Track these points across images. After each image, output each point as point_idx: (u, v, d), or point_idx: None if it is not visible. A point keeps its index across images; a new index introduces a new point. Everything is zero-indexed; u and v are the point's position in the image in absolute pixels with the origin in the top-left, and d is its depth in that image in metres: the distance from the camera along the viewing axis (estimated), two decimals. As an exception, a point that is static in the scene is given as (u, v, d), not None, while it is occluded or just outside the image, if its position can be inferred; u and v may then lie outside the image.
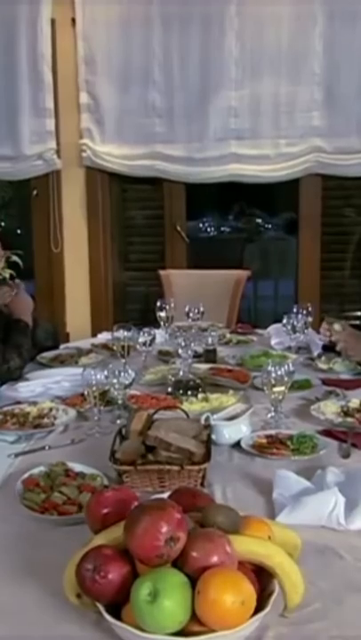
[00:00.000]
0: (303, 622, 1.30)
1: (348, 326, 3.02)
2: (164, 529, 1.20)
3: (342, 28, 4.92)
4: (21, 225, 5.50)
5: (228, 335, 3.59)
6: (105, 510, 1.37)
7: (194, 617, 1.17)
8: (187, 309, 3.56)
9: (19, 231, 5.67)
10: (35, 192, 5.32)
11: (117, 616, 1.21)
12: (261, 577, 1.29)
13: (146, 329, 3.08)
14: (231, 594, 1.17)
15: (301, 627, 1.29)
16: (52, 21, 5.08)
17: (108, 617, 1.21)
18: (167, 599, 1.16)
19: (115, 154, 5.15)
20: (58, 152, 5.19)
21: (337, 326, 3.02)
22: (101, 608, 1.22)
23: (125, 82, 5.09)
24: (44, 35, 5.06)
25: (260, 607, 1.22)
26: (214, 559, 1.21)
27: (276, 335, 3.44)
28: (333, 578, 1.45)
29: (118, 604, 1.23)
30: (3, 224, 3.46)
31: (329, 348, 3.10)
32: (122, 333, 2.94)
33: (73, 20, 5.04)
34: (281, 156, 5.08)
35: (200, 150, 5.08)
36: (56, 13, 5.06)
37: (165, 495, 1.50)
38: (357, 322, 3.22)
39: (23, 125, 5.13)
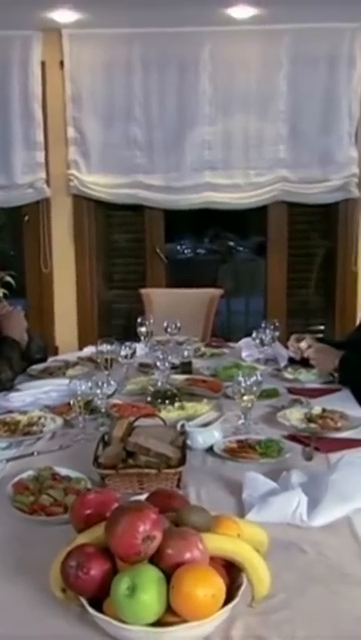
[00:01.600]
0: (269, 612, 1.31)
1: (314, 342, 3.03)
2: (142, 529, 1.20)
3: (304, 71, 4.97)
4: (14, 248, 5.48)
5: (203, 348, 3.59)
6: (88, 511, 1.37)
7: (169, 609, 1.18)
8: (165, 325, 3.55)
9: (12, 253, 5.64)
10: (26, 218, 5.30)
11: (99, 609, 1.21)
12: (231, 571, 1.29)
13: (127, 343, 3.08)
14: (203, 587, 1.17)
15: (267, 616, 1.30)
16: (43, 63, 5.07)
17: (90, 610, 1.21)
18: (144, 593, 1.16)
19: (100, 183, 5.15)
20: (47, 181, 5.18)
21: (303, 344, 3.04)
22: (84, 602, 1.23)
23: (109, 118, 5.09)
24: (34, 75, 5.06)
25: (229, 599, 1.22)
26: (187, 556, 1.21)
27: (246, 348, 3.45)
28: (297, 571, 1.46)
29: (100, 597, 1.23)
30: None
31: (295, 360, 3.12)
32: (105, 347, 2.94)
33: (61, 63, 5.04)
34: (251, 184, 5.10)
35: (177, 180, 5.10)
36: (46, 56, 5.06)
37: (144, 497, 1.50)
38: (321, 335, 3.23)
39: (16, 157, 5.12)
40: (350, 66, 4.96)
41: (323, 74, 4.99)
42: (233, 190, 5.12)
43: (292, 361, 3.13)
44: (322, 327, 5.40)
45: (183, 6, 4.38)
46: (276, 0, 4.34)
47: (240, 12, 4.60)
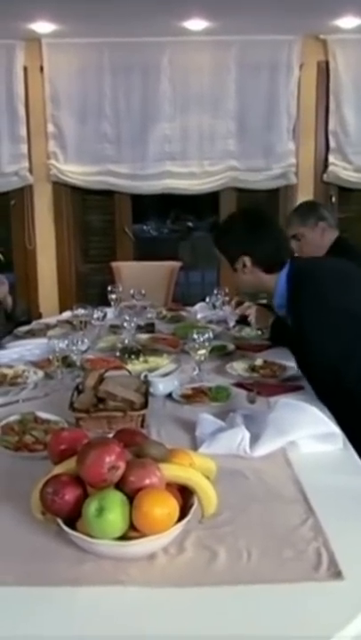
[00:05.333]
0: (216, 526, 1.32)
1: (253, 304, 3.04)
2: (107, 460, 1.20)
3: (250, 76, 4.94)
4: (2, 228, 5.40)
5: (164, 312, 3.58)
6: (62, 447, 1.37)
7: (132, 526, 1.18)
8: (132, 292, 3.55)
9: (0, 233, 5.56)
10: (12, 202, 5.22)
11: (73, 527, 1.21)
12: (184, 494, 1.30)
13: (100, 308, 3.07)
14: (160, 507, 1.18)
15: (215, 530, 1.31)
16: (25, 68, 4.97)
17: (65, 528, 1.21)
18: (110, 513, 1.17)
19: (75, 171, 5.08)
20: (30, 170, 5.09)
21: (247, 303, 3.04)
22: (60, 522, 1.22)
23: (83, 115, 5.01)
24: (18, 79, 4.96)
25: (183, 516, 1.23)
26: (147, 482, 1.22)
27: (200, 311, 3.46)
28: (240, 493, 1.47)
29: (73, 518, 1.22)
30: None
31: (241, 321, 3.12)
32: (80, 311, 2.93)
33: (41, 68, 4.93)
34: (205, 173, 5.08)
35: (142, 168, 5.04)
36: (28, 62, 4.96)
37: (111, 435, 1.50)
38: (264, 301, 3.22)
39: (3, 149, 5.02)
40: (289, 72, 4.94)
41: (265, 78, 4.96)
42: (190, 178, 5.09)
43: (238, 322, 3.14)
44: (264, 301, 5.40)
45: (146, 19, 4.35)
46: (225, 14, 4.31)
47: (195, 25, 4.57)
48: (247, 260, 2.43)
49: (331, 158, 5.05)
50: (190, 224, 7.76)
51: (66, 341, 2.33)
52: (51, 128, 5.04)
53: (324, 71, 4.97)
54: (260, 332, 2.86)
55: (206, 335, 2.34)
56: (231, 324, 3.16)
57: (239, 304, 2.96)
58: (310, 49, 4.93)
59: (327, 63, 4.94)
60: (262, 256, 2.43)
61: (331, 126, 5.01)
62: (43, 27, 4.58)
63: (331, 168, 5.06)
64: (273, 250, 2.44)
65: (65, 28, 4.62)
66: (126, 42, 4.84)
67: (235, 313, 3.10)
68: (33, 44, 4.89)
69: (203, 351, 2.33)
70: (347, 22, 4.55)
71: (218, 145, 5.03)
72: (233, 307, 3.06)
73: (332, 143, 5.03)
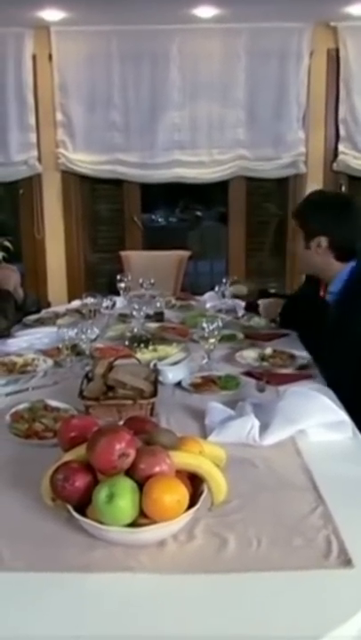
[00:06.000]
0: (226, 514, 1.32)
1: (247, 289, 3.04)
2: (118, 447, 1.21)
3: (260, 64, 4.92)
4: (11, 218, 5.41)
5: (173, 301, 3.56)
6: (72, 434, 1.37)
7: (141, 513, 1.19)
8: (141, 281, 3.53)
9: (9, 223, 5.56)
10: (21, 191, 5.23)
11: (83, 514, 1.21)
12: (194, 482, 1.30)
13: (109, 296, 3.06)
14: (169, 494, 1.18)
15: (224, 518, 1.31)
16: (34, 57, 4.96)
17: (76, 515, 1.21)
18: (121, 500, 1.17)
19: (84, 160, 5.08)
20: (39, 159, 5.09)
21: (242, 288, 3.04)
22: (70, 508, 1.23)
23: (92, 104, 5.01)
24: (27, 67, 4.95)
25: (193, 504, 1.23)
26: (157, 469, 1.22)
27: (209, 300, 3.44)
28: (249, 481, 1.47)
29: (83, 504, 1.23)
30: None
31: (249, 308, 3.11)
32: (89, 300, 2.93)
33: (50, 56, 4.93)
34: (214, 162, 5.06)
35: (151, 157, 5.04)
36: (37, 50, 4.95)
37: (121, 423, 1.50)
38: (273, 290, 3.23)
39: (11, 138, 5.03)
40: (299, 60, 4.91)
41: (275, 67, 4.94)
42: (199, 167, 5.08)
43: (247, 309, 3.13)
44: (275, 285, 5.40)
45: (155, 7, 4.33)
46: (234, 1, 4.28)
47: (204, 12, 4.54)
48: (324, 240, 2.43)
49: (341, 147, 5.02)
50: (199, 213, 7.73)
51: (75, 330, 2.33)
52: (59, 117, 5.03)
53: (335, 59, 4.93)
54: (272, 324, 2.86)
55: (215, 324, 2.33)
56: (240, 313, 3.15)
57: (234, 282, 2.96)
58: (321, 36, 4.89)
59: (337, 51, 4.91)
60: (340, 241, 2.43)
61: (341, 115, 4.98)
62: (51, 14, 4.56)
63: (341, 157, 5.03)
64: (351, 238, 2.43)
65: (74, 16, 4.60)
66: (135, 29, 4.82)
67: (229, 290, 3.10)
68: (42, 32, 4.87)
69: (212, 340, 2.32)
70: (358, 9, 4.51)
71: (227, 134, 5.01)
72: (229, 284, 3.07)
73: (342, 132, 5.00)
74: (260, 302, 2.97)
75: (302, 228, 2.53)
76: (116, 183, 5.22)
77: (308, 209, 2.58)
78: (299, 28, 4.84)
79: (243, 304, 3.18)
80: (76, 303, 3.47)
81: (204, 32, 4.82)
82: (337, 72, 4.94)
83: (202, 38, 4.85)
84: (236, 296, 3.12)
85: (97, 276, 5.45)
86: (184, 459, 1.29)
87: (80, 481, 1.23)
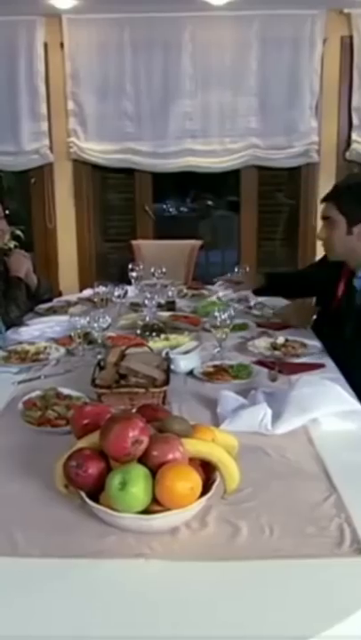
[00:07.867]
0: (238, 502, 1.32)
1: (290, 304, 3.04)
2: (131, 434, 1.21)
3: (272, 51, 4.85)
4: (22, 207, 5.41)
5: (185, 290, 3.57)
6: (85, 421, 1.37)
7: (154, 500, 1.19)
8: (152, 270, 3.52)
9: (20, 212, 5.56)
10: (33, 180, 5.22)
11: (96, 501, 1.22)
12: (207, 469, 1.30)
13: (120, 285, 3.06)
14: (182, 481, 1.18)
15: (237, 506, 1.31)
16: (45, 45, 4.93)
17: (89, 501, 1.22)
18: (134, 487, 1.17)
19: (96, 149, 5.06)
20: (51, 148, 5.08)
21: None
22: (84, 495, 1.23)
23: (103, 92, 4.97)
24: (38, 56, 4.92)
25: (205, 492, 1.23)
26: (170, 456, 1.22)
27: (221, 289, 3.43)
28: (262, 469, 1.48)
29: (96, 491, 1.23)
30: (7, 209, 3.35)
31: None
32: (101, 289, 2.93)
33: (61, 44, 4.90)
34: (226, 150, 5.02)
35: (162, 146, 5.00)
36: (48, 39, 4.92)
37: (134, 411, 1.50)
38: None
39: (23, 127, 5.01)
40: (312, 48, 4.84)
41: (288, 54, 4.87)
42: (210, 155, 5.03)
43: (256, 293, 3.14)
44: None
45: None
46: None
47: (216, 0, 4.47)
48: None
49: (354, 136, 4.97)
50: (210, 203, 7.69)
51: (87, 318, 2.34)
52: (71, 105, 5.01)
53: (348, 46, 4.87)
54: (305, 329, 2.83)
55: (227, 313, 2.33)
56: (253, 302, 3.15)
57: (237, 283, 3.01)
58: (334, 23, 4.83)
59: (351, 38, 4.84)
60: None
61: (354, 103, 4.92)
62: (63, 2, 4.53)
63: (354, 146, 4.98)
64: None
65: (85, 4, 4.57)
66: (147, 17, 4.78)
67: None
68: (53, 20, 4.85)
69: (224, 329, 2.32)
70: (372, -5, 4.46)
71: (239, 122, 4.97)
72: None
73: (355, 120, 4.95)
74: (286, 307, 2.96)
75: (345, 214, 2.45)
76: (128, 172, 5.20)
77: (353, 194, 2.49)
78: (312, 14, 4.78)
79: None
80: (87, 292, 3.47)
81: (216, 20, 4.78)
82: (350, 59, 4.87)
83: (214, 26, 4.81)
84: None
85: (108, 265, 5.45)
86: (197, 446, 1.29)
87: (93, 468, 1.23)
